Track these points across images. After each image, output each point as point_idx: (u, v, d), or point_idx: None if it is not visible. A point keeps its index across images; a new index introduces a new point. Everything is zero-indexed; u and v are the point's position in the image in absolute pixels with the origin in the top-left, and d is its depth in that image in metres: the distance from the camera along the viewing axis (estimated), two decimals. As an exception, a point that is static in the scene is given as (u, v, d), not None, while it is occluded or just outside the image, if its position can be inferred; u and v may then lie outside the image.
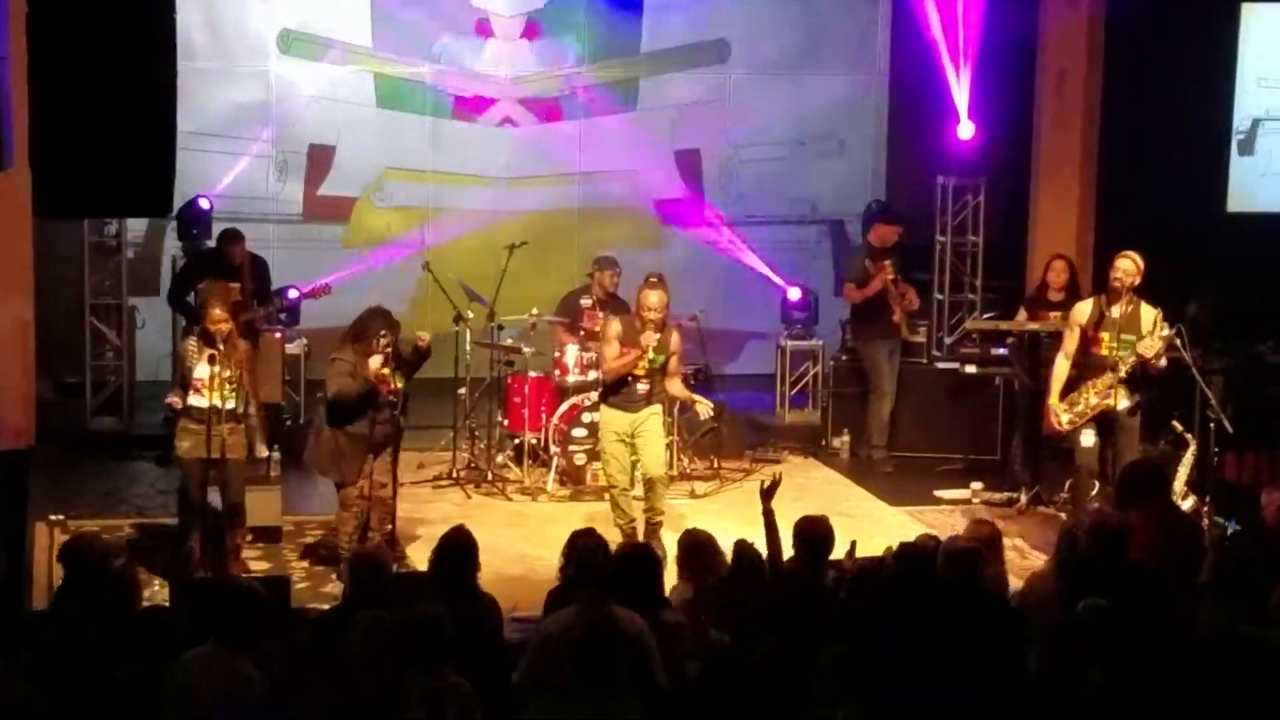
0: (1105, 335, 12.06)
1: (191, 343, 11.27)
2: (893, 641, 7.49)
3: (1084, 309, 12.26)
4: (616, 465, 12.15)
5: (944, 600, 7.93)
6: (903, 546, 8.85)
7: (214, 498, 11.40)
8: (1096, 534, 8.64)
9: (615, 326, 12.20)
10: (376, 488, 11.42)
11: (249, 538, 11.87)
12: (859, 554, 9.01)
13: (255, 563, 11.76)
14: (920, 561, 8.38)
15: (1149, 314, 12.04)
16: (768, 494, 9.27)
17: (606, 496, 12.40)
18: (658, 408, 12.27)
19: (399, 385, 11.36)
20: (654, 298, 12.01)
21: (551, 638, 7.71)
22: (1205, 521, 11.75)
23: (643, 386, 12.01)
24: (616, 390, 12.10)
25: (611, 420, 12.16)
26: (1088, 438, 12.09)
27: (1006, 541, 12.43)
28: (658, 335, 11.91)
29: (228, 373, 11.00)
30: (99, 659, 7.43)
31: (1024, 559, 12.06)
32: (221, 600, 7.62)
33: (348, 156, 17.50)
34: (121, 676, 7.13)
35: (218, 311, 11.16)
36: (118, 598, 8.05)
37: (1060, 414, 12.15)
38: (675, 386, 12.28)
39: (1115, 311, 12.07)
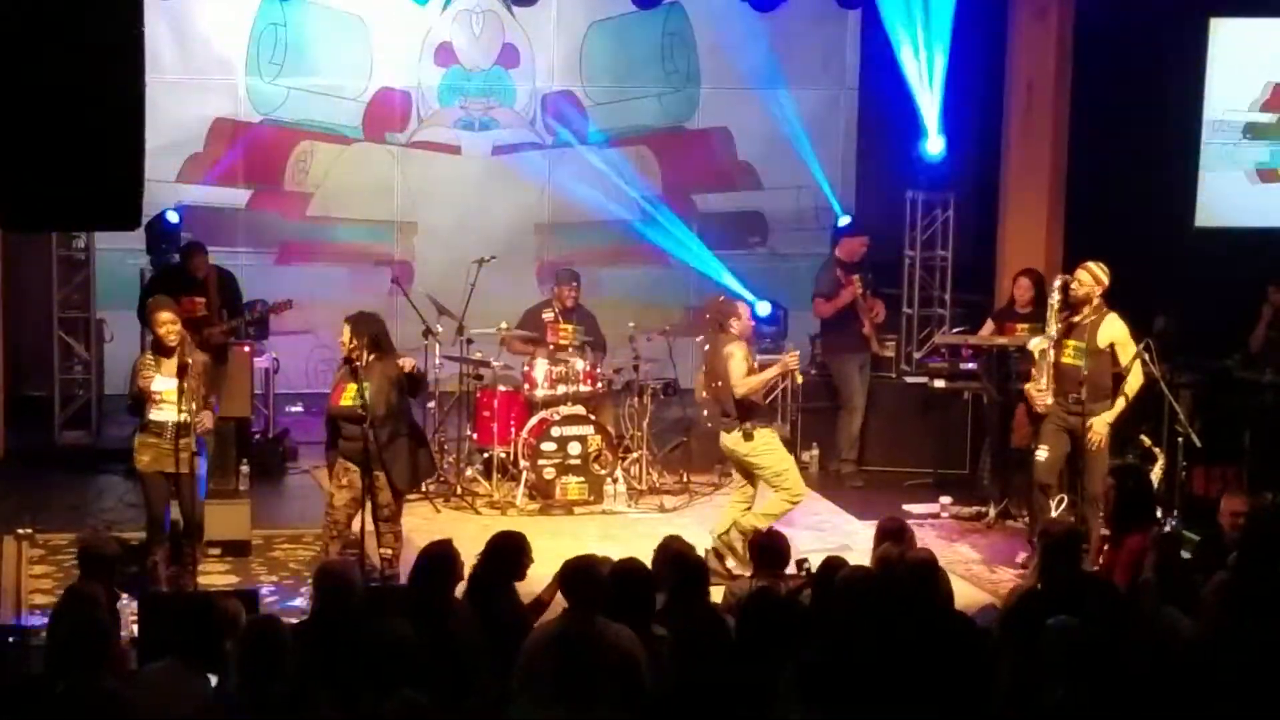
0: (1067, 344, 12.08)
1: (148, 358, 11.16)
2: (854, 653, 7.49)
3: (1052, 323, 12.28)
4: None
5: (903, 613, 7.94)
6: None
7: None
8: (1045, 545, 8.66)
9: (739, 350, 12.10)
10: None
11: (216, 551, 11.86)
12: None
13: (223, 575, 11.74)
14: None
15: (1111, 327, 12.00)
16: None
17: (774, 504, 12.14)
18: None
19: (345, 404, 11.20)
20: (746, 310, 12.50)
21: (535, 648, 7.70)
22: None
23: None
24: (765, 409, 12.40)
25: (775, 435, 12.37)
26: (1041, 452, 12.10)
27: (974, 555, 12.59)
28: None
29: (189, 384, 10.92)
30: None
31: (991, 573, 12.10)
32: (183, 615, 7.59)
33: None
34: (58, 690, 7.06)
35: (164, 314, 11.08)
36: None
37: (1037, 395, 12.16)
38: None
39: (1075, 319, 12.11)
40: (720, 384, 12.08)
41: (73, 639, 7.37)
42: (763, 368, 12.24)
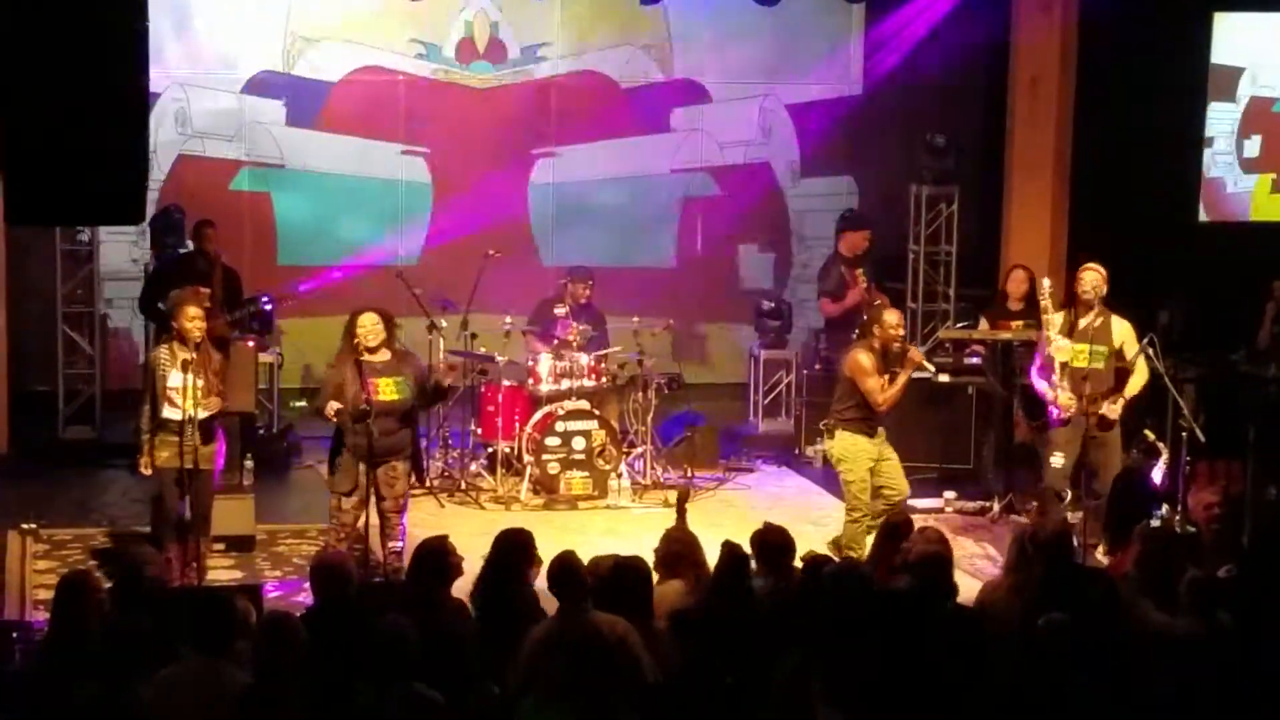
0: (1084, 348, 12.06)
1: (164, 351, 11.08)
2: (861, 646, 7.50)
3: (1057, 322, 12.24)
4: (867, 491, 11.84)
5: (911, 606, 7.94)
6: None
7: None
8: (1039, 544, 8.64)
9: (866, 360, 11.72)
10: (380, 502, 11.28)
11: (221, 546, 11.86)
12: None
13: (228, 571, 11.74)
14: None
15: (1119, 327, 12.07)
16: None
17: (844, 529, 11.91)
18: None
19: (392, 398, 11.18)
20: (896, 316, 12.00)
21: (535, 647, 7.69)
22: (1176, 530, 11.78)
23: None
24: (857, 414, 11.81)
25: (861, 445, 11.79)
26: (1057, 459, 12.11)
27: (978, 549, 12.59)
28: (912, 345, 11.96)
29: (201, 381, 10.87)
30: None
31: (996, 568, 12.06)
32: (200, 608, 7.58)
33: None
34: (79, 698, 7.02)
35: (193, 309, 11.01)
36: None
37: (1062, 401, 12.10)
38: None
39: (1083, 323, 12.09)
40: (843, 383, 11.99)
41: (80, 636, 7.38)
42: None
